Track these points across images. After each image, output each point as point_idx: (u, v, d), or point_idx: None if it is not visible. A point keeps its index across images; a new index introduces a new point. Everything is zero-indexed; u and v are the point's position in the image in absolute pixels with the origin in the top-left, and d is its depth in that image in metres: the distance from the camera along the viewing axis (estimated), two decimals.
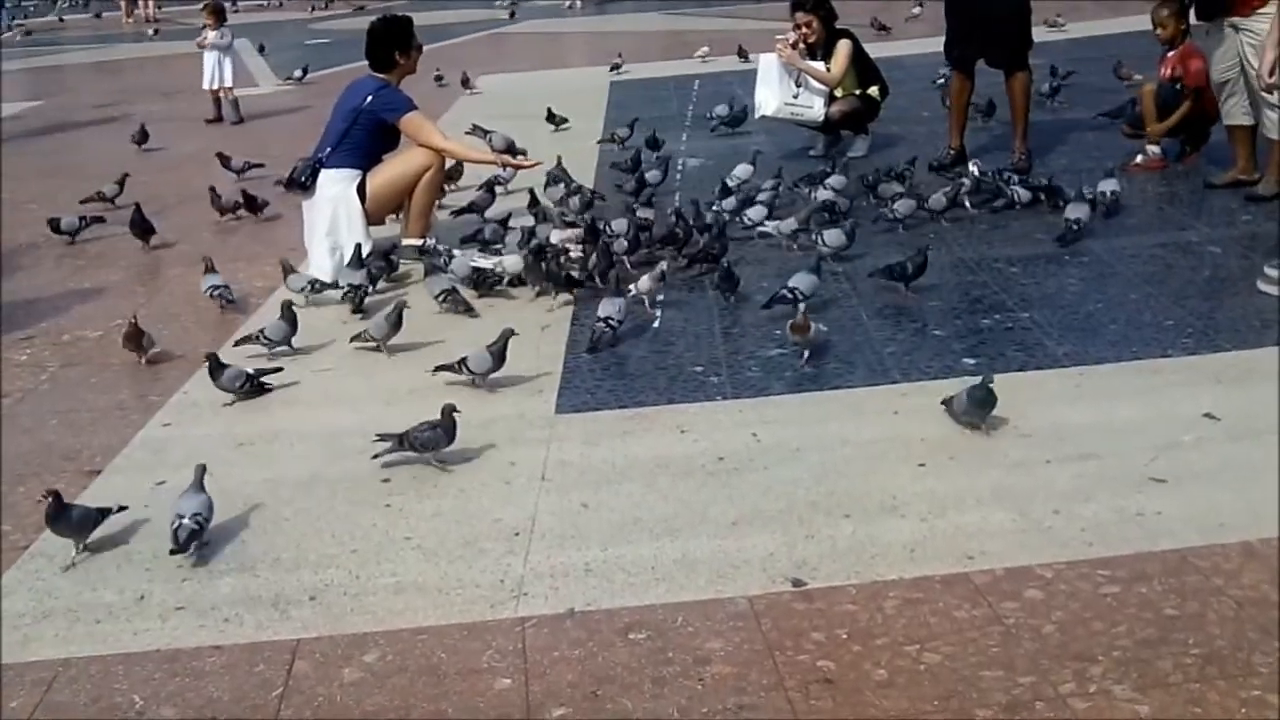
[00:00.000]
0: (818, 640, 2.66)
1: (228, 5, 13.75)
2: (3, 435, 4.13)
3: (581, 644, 2.71)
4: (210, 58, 11.22)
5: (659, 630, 2.74)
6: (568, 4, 22.32)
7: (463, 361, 4.14)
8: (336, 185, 5.69)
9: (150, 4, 25.95)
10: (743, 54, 12.37)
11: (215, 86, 11.25)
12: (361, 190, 5.72)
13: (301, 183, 5.76)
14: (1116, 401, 3.79)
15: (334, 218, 5.66)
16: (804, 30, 7.54)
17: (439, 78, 12.22)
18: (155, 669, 2.72)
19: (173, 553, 3.15)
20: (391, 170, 5.83)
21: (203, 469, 3.36)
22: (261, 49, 16.22)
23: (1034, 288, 4.91)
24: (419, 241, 5.80)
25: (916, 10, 15.53)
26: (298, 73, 14.03)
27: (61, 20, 26.22)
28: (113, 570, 3.16)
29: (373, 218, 5.81)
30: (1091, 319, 4.52)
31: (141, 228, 6.58)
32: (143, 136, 9.64)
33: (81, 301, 5.71)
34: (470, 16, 21.57)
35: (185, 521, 3.17)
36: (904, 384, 4.04)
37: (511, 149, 7.16)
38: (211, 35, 11.18)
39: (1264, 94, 5.64)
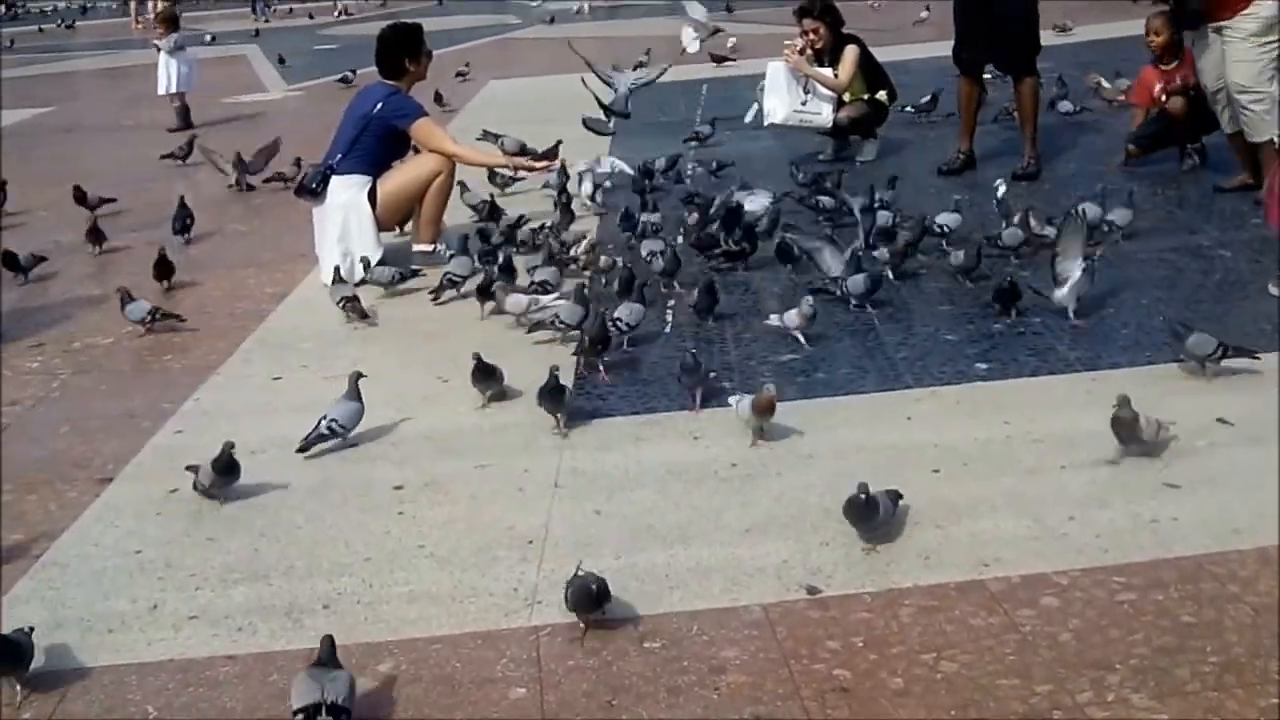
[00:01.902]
0: (833, 649, 2.65)
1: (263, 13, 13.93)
2: (14, 443, 4.14)
3: (596, 653, 2.70)
4: (161, 64, 11.38)
5: (674, 639, 2.73)
6: (576, 9, 22.32)
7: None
8: (347, 192, 5.71)
9: (159, 8, 26.04)
10: (716, 59, 12.46)
11: (161, 92, 11.38)
12: (372, 197, 5.73)
13: (312, 189, 5.77)
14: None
15: (345, 224, 5.68)
16: (810, 36, 7.55)
17: (461, 73, 12.84)
18: (169, 679, 2.72)
19: (298, 451, 3.72)
20: (402, 177, 5.85)
21: (358, 375, 3.83)
22: (281, 60, 16.21)
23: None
24: (429, 248, 5.82)
25: (924, 14, 15.54)
26: (348, 73, 13.69)
27: None
28: (125, 579, 3.15)
29: (383, 224, 5.83)
30: (1103, 323, 4.50)
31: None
32: (189, 150, 9.27)
33: (92, 308, 5.72)
34: (477, 22, 21.62)
35: (321, 426, 3.71)
36: (917, 389, 4.03)
37: (524, 152, 7.18)
38: (163, 42, 11.36)
39: (1237, 96, 5.59)
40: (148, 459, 3.93)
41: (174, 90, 11.37)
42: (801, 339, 4.44)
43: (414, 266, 5.64)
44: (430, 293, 5.27)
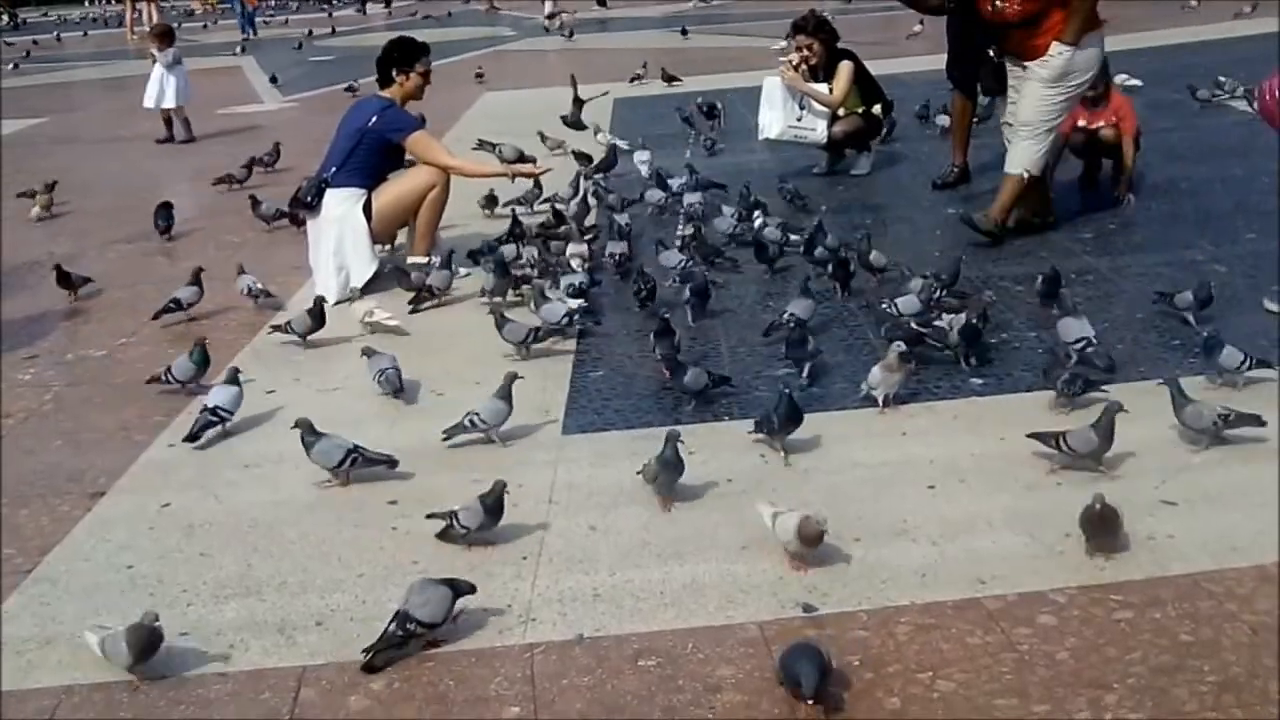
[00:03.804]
0: None
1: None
2: (6, 456, 4.11)
3: (590, 671, 2.69)
4: (155, 78, 11.37)
5: (669, 657, 2.71)
6: (552, 26, 21.77)
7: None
8: (342, 205, 5.70)
9: (156, 19, 26.10)
10: (667, 78, 12.43)
11: (164, 106, 11.35)
12: (367, 210, 5.72)
13: (307, 202, 5.76)
14: (1125, 423, 3.74)
15: (340, 237, 5.67)
16: (805, 52, 7.56)
17: (479, 75, 14.10)
18: (159, 696, 2.70)
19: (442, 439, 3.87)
20: (397, 188, 5.84)
21: (514, 376, 3.91)
22: (274, 79, 16.10)
23: (1040, 306, 4.89)
24: (424, 259, 5.81)
25: (917, 28, 15.57)
26: (347, 84, 13.61)
27: None
28: (117, 595, 3.13)
29: (378, 237, 5.82)
30: (1098, 338, 4.48)
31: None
32: (276, 155, 9.05)
33: (85, 320, 5.70)
34: (474, 34, 21.65)
35: (464, 419, 3.83)
36: (912, 404, 4.01)
37: (521, 159, 7.19)
38: (160, 55, 11.36)
39: (1020, 128, 5.72)
40: (141, 473, 3.91)
41: (171, 105, 11.34)
42: (880, 400, 3.96)
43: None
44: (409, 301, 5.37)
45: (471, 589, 2.84)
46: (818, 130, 7.57)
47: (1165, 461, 3.45)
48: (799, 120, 7.55)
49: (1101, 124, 6.65)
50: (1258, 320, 4.51)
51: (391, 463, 3.69)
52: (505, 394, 3.87)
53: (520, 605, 2.96)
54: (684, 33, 18.63)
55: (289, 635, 2.90)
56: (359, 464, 3.64)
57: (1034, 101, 5.64)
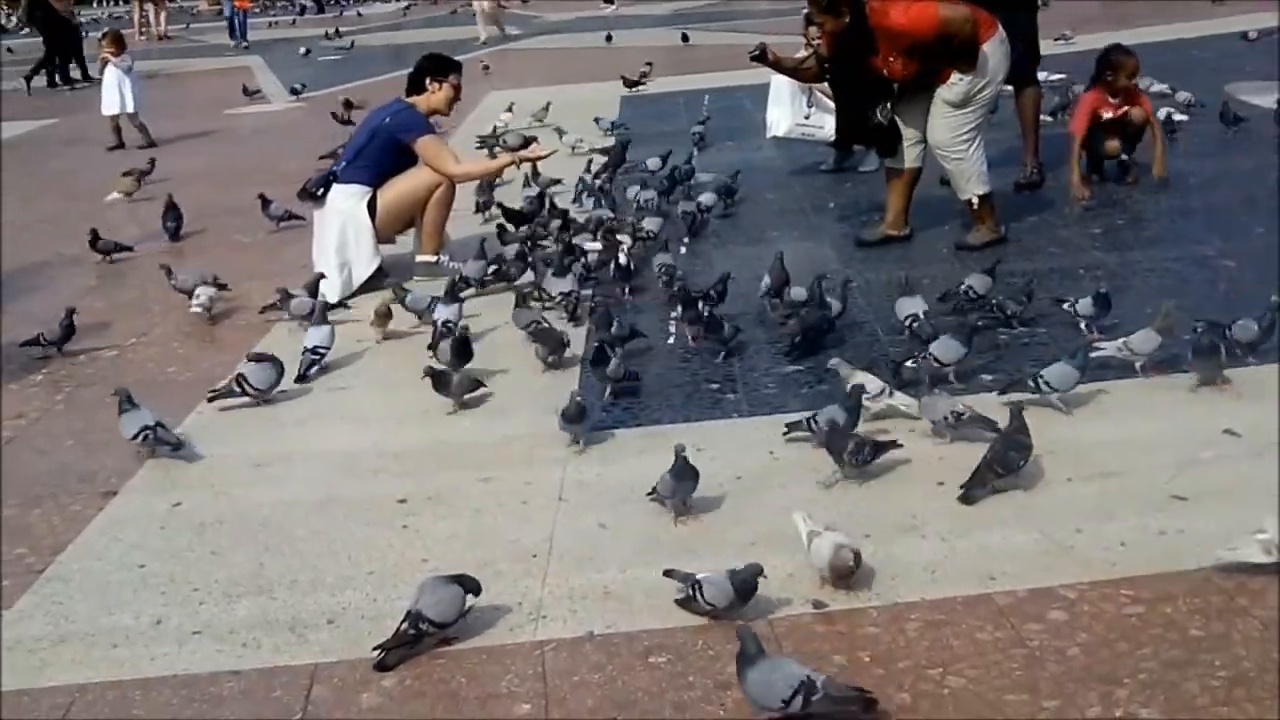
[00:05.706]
0: (839, 663, 2.64)
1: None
2: (21, 456, 4.13)
3: (601, 668, 2.69)
4: (111, 84, 11.35)
5: (679, 653, 2.72)
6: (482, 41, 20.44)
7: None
8: (347, 201, 5.71)
9: (162, 21, 26.19)
10: (628, 83, 12.34)
11: (116, 112, 11.35)
12: (372, 208, 5.73)
13: (314, 194, 5.79)
14: (1136, 418, 3.76)
15: (343, 234, 5.68)
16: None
17: (486, 68, 14.50)
18: (172, 695, 2.71)
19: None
20: (402, 186, 5.84)
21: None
22: (253, 92, 15.96)
23: (1049, 302, 4.88)
24: (432, 258, 5.82)
25: None
26: (297, 85, 14.47)
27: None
28: (129, 594, 3.15)
29: (383, 235, 5.83)
30: (1108, 334, 4.48)
31: None
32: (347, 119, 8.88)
33: (96, 321, 5.71)
34: (476, 33, 21.64)
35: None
36: None
37: (525, 145, 7.23)
38: (114, 61, 11.36)
39: (935, 151, 5.85)
40: (152, 473, 3.92)
41: (130, 110, 11.34)
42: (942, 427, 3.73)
43: (416, 276, 5.66)
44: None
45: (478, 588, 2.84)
46: (826, 127, 7.56)
47: (1175, 456, 3.44)
48: (807, 118, 7.56)
49: (1127, 108, 6.79)
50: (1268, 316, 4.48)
51: (178, 445, 3.92)
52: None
53: (531, 603, 2.97)
54: (685, 39, 18.13)
55: (300, 633, 2.91)
56: (150, 440, 3.89)
57: (945, 123, 5.78)
